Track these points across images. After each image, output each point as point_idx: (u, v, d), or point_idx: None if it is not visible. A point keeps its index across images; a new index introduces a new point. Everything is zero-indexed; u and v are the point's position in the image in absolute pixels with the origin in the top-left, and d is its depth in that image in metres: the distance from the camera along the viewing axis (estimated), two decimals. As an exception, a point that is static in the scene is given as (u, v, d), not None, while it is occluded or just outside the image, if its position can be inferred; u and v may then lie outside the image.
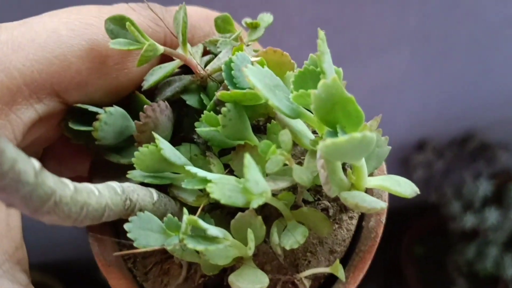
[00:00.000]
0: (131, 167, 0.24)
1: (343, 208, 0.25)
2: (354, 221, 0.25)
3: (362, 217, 0.26)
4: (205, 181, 0.21)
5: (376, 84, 0.90)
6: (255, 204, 0.20)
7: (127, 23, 0.23)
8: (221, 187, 0.20)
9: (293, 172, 0.22)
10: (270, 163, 0.22)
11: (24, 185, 0.15)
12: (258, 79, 0.21)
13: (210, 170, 0.23)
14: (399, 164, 1.18)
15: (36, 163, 0.16)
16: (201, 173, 0.21)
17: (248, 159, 0.19)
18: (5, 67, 0.21)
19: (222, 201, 0.20)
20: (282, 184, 0.22)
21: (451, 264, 1.19)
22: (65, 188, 0.18)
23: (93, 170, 0.27)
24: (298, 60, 0.79)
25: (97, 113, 0.23)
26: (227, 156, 0.25)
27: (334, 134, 0.19)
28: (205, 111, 0.24)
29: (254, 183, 0.19)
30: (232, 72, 0.23)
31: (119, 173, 0.25)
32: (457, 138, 1.17)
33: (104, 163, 0.26)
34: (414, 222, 1.28)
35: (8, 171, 0.15)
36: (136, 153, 0.22)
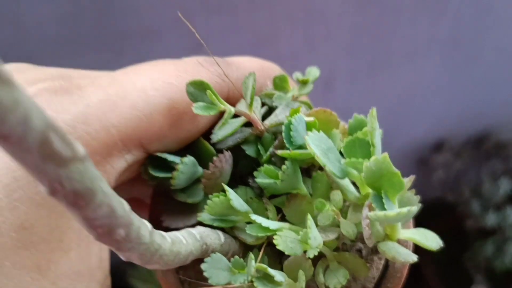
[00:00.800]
0: (194, 205, 0.28)
1: (374, 250, 0.29)
2: (383, 261, 0.29)
3: None
4: (266, 229, 0.25)
5: (405, 87, 0.92)
6: (311, 254, 0.24)
7: (208, 91, 0.26)
8: (284, 239, 0.24)
9: (341, 225, 0.26)
10: (322, 217, 0.26)
11: (142, 245, 0.19)
12: (316, 145, 0.24)
13: (265, 215, 0.27)
14: (418, 164, 1.20)
15: (148, 225, 0.19)
16: (263, 222, 0.25)
17: (310, 220, 0.24)
18: (104, 126, 0.23)
19: (286, 252, 0.24)
20: (332, 236, 0.26)
21: (470, 261, 1.22)
22: (165, 242, 0.21)
23: (157, 202, 0.30)
24: (334, 66, 0.81)
25: (173, 162, 0.27)
26: (277, 199, 0.28)
27: (379, 198, 0.23)
28: (265, 165, 0.27)
29: (314, 239, 0.24)
30: (291, 133, 0.26)
31: (183, 208, 0.28)
32: (473, 138, 1.19)
33: (166, 195, 0.29)
34: (432, 221, 1.30)
35: (135, 237, 0.18)
36: (209, 202, 0.25)
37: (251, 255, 0.24)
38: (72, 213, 0.14)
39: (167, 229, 0.23)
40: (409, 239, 0.26)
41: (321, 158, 0.24)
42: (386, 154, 0.22)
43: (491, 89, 1.00)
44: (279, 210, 0.28)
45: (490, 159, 1.24)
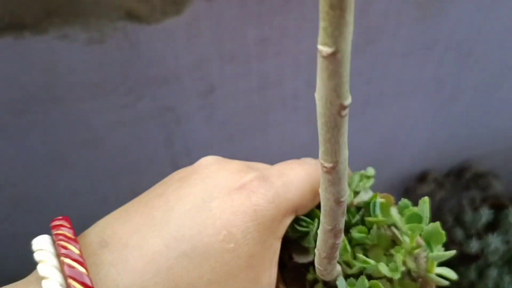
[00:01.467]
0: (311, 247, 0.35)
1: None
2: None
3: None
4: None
5: (393, 124, 1.00)
6: None
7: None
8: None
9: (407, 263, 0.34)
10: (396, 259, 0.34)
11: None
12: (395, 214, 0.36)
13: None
14: (405, 194, 1.28)
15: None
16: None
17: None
18: (287, 198, 0.31)
19: None
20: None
21: (455, 286, 1.28)
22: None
23: (287, 245, 0.36)
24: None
25: (308, 221, 0.35)
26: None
27: (431, 246, 0.32)
28: (353, 227, 0.37)
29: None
30: (375, 207, 0.37)
31: (305, 249, 0.35)
32: (454, 169, 1.28)
33: (293, 241, 0.36)
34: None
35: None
36: None
37: None
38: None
39: (296, 263, 0.33)
40: (441, 273, 0.34)
41: (398, 222, 0.34)
42: (438, 223, 0.32)
43: (470, 125, 1.09)
44: None
45: (470, 189, 1.32)
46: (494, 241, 1.12)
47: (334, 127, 0.21)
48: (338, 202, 0.25)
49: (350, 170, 0.39)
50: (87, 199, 0.91)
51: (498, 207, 1.31)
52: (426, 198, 0.33)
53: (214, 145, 0.88)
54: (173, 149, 0.86)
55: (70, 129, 0.74)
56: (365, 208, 0.38)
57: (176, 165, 0.90)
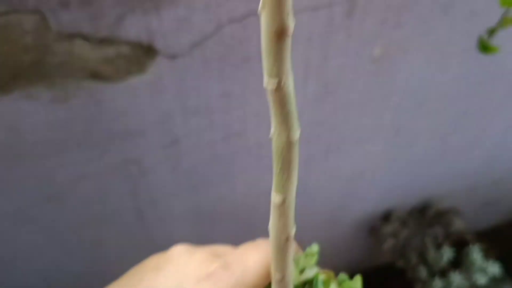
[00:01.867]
0: None
1: None
2: None
3: None
4: None
5: (355, 168, 1.03)
6: None
7: None
8: None
9: None
10: None
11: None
12: None
13: None
14: (370, 233, 1.30)
15: None
16: None
17: None
18: (246, 284, 0.35)
19: None
20: None
21: (422, 324, 1.30)
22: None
23: None
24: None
25: None
26: None
27: None
28: None
29: None
30: (318, 284, 0.38)
31: None
32: (417, 208, 1.32)
33: None
34: (384, 286, 1.39)
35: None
36: None
37: None
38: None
39: None
40: None
41: None
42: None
43: (429, 166, 1.13)
44: None
45: (433, 226, 1.36)
46: (457, 279, 1.14)
47: (284, 159, 0.23)
48: (286, 239, 0.26)
49: (300, 250, 0.42)
50: (52, 253, 0.89)
51: (460, 244, 1.35)
52: (358, 276, 0.37)
53: (180, 194, 0.89)
54: (138, 200, 0.86)
55: (33, 185, 0.73)
56: (309, 284, 0.41)
57: (141, 215, 0.90)
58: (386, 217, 1.32)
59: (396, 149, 1.02)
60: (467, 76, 0.88)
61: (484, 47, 0.62)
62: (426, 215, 1.32)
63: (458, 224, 1.33)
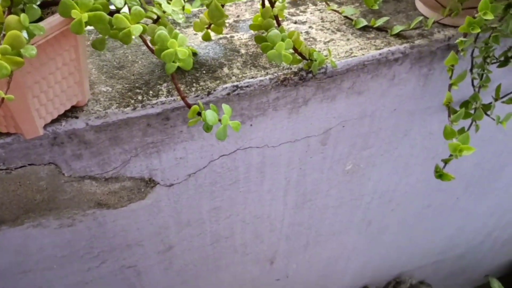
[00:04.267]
0: None
1: None
2: None
3: None
4: None
5: (332, 254, 1.09)
6: None
7: None
8: None
9: None
10: None
11: None
12: None
13: None
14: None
15: None
16: None
17: None
18: None
19: None
20: None
21: None
22: None
23: None
24: (277, 248, 1.00)
25: None
26: None
27: None
28: None
29: None
30: None
31: None
32: (391, 284, 1.37)
33: None
34: None
35: None
36: None
37: None
38: None
39: None
40: None
41: None
42: None
43: (398, 248, 1.20)
44: None
45: (405, 300, 1.41)
46: None
47: None
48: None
49: None
50: None
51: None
52: None
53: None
54: (133, 298, 0.90)
55: (36, 294, 0.77)
56: None
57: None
58: (362, 292, 1.37)
59: (368, 238, 1.09)
60: (428, 178, 0.96)
61: (440, 175, 0.69)
62: (399, 289, 1.38)
63: (429, 297, 1.38)
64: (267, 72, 0.60)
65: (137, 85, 0.58)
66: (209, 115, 0.51)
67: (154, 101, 0.56)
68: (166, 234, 0.79)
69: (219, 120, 0.52)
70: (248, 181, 0.76)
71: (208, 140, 0.65)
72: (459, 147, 0.58)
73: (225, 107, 0.53)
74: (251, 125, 0.65)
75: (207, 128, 0.52)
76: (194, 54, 0.63)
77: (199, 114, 0.52)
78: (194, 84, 0.59)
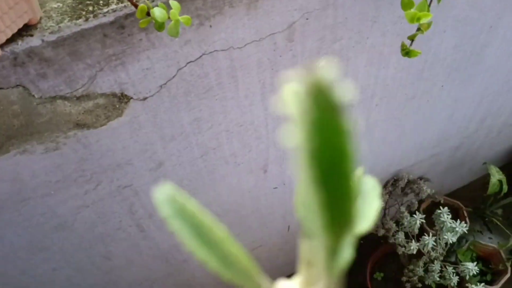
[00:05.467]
0: None
1: None
2: None
3: None
4: None
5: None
6: None
7: None
8: None
9: None
10: None
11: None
12: None
13: None
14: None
15: None
16: None
17: None
18: None
19: None
20: None
21: (406, 282, 1.40)
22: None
23: None
24: (266, 157, 1.03)
25: None
26: None
27: None
28: None
29: None
30: None
31: None
32: (390, 181, 1.40)
33: None
34: (372, 252, 1.49)
35: None
36: None
37: None
38: None
39: None
40: None
41: None
42: None
43: (390, 146, 1.21)
44: None
45: (406, 196, 1.45)
46: (430, 241, 1.24)
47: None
48: None
49: None
50: (65, 272, 0.97)
51: (431, 208, 1.44)
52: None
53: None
54: (136, 217, 0.94)
55: (39, 221, 0.81)
56: None
57: (142, 228, 0.98)
58: (363, 193, 1.40)
59: (358, 138, 1.10)
60: (407, 66, 0.95)
61: (406, 52, 0.69)
62: (398, 186, 1.41)
63: (428, 190, 1.42)
64: (214, -34, 0.59)
65: (87, -3, 0.57)
66: (157, 11, 0.50)
67: (105, 10, 0.56)
68: (153, 150, 0.81)
69: (169, 17, 0.52)
70: (222, 87, 0.76)
71: (170, 46, 0.65)
72: (416, 15, 0.57)
73: (173, 3, 0.52)
74: (210, 26, 0.65)
75: (159, 27, 0.52)
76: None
77: (148, 14, 0.52)
78: (144, -12, 0.58)
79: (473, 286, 1.27)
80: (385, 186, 1.42)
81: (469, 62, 1.04)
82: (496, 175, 1.50)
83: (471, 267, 1.25)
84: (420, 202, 1.46)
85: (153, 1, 0.57)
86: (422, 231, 1.36)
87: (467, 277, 1.28)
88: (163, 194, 0.20)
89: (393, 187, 1.42)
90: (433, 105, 1.14)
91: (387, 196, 1.42)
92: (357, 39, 0.81)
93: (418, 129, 1.21)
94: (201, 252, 0.19)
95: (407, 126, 1.17)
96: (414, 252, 1.27)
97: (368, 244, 1.50)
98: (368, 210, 0.21)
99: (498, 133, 1.49)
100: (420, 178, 1.48)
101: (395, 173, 1.41)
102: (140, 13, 0.50)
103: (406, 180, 1.42)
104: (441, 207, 1.32)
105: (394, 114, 1.09)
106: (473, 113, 1.28)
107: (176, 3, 0.52)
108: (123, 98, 0.68)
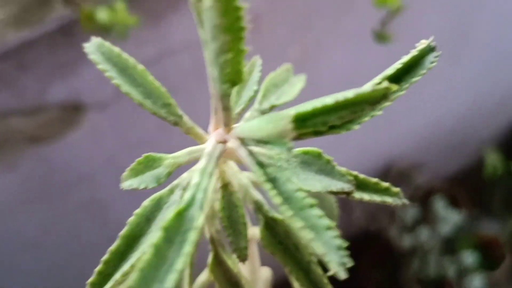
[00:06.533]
0: None
1: None
2: None
3: None
4: None
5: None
6: None
7: None
8: None
9: None
10: None
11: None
12: None
13: None
14: (340, 206, 1.39)
15: None
16: None
17: None
18: None
19: None
20: None
21: (404, 277, 1.41)
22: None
23: None
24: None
25: None
26: None
27: None
28: None
29: None
30: None
31: None
32: (379, 172, 1.40)
33: None
34: (365, 249, 1.49)
35: None
36: None
37: None
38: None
39: None
40: None
41: None
42: None
43: (378, 134, 1.21)
44: None
45: (397, 186, 1.45)
46: (424, 232, 1.24)
47: None
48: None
49: None
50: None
51: (424, 198, 1.44)
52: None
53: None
54: (109, 230, 0.93)
55: (7, 239, 0.80)
56: None
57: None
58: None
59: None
60: (388, 52, 0.95)
61: (380, 36, 0.68)
62: (389, 177, 1.41)
63: (420, 179, 1.42)
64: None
65: (29, 5, 0.56)
66: (101, 14, 0.49)
67: (51, 17, 0.55)
68: (118, 159, 0.80)
69: (116, 19, 0.51)
70: (187, 89, 0.75)
71: (125, 48, 0.63)
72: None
73: (118, 5, 0.51)
74: (165, 24, 0.64)
75: (105, 30, 0.51)
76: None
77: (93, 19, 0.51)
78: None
79: (471, 276, 1.28)
80: (375, 178, 1.42)
81: (456, 43, 1.04)
82: (492, 157, 1.51)
83: (469, 256, 1.26)
84: (414, 192, 1.47)
85: (105, 3, 0.56)
86: (419, 222, 1.37)
87: (465, 267, 1.28)
88: (93, 44, 0.25)
89: (383, 178, 1.42)
90: (420, 89, 1.14)
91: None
92: (335, 31, 0.81)
93: (407, 114, 1.21)
94: (126, 87, 0.24)
95: (393, 113, 1.17)
96: (408, 246, 1.27)
97: (364, 241, 1.50)
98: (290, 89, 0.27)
99: (491, 113, 1.49)
100: (413, 166, 1.48)
101: (385, 163, 1.41)
102: (84, 18, 0.49)
103: (396, 170, 1.42)
104: (434, 196, 1.32)
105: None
106: (464, 94, 1.28)
107: (121, 4, 0.51)
108: (80, 108, 0.67)
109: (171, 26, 0.64)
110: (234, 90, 0.23)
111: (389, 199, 0.26)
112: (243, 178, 0.26)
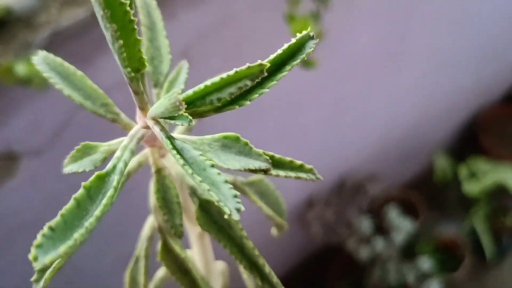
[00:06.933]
0: None
1: None
2: None
3: None
4: None
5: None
6: None
7: None
8: None
9: None
10: None
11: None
12: None
13: None
14: (298, 222, 1.41)
15: None
16: None
17: None
18: None
19: None
20: None
21: (368, 286, 1.44)
22: None
23: None
24: None
25: None
26: None
27: None
28: None
29: None
30: None
31: None
32: (334, 186, 1.44)
33: None
34: (330, 263, 1.52)
35: None
36: None
37: None
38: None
39: None
40: None
41: None
42: None
43: (329, 150, 1.25)
44: None
45: (353, 198, 1.49)
46: (379, 243, 1.27)
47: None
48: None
49: None
50: None
51: (380, 208, 1.48)
52: None
53: (105, 250, 0.96)
54: (64, 275, 0.92)
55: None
56: None
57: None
58: (310, 202, 1.43)
59: (293, 146, 1.13)
60: (326, 72, 0.99)
61: (306, 63, 0.72)
62: (344, 189, 1.45)
63: (375, 189, 1.46)
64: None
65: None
66: (19, 68, 0.51)
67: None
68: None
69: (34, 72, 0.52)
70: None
71: (55, 94, 0.64)
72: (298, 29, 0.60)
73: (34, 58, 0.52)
74: (93, 66, 0.65)
75: (26, 82, 0.52)
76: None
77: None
78: (12, 41, 0.58)
79: (429, 280, 1.32)
80: (331, 193, 1.45)
81: (393, 57, 1.09)
82: (441, 162, 1.57)
83: (426, 261, 1.29)
84: (371, 202, 1.51)
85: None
86: (375, 233, 1.40)
87: (423, 272, 1.32)
88: (40, 57, 0.30)
89: (339, 192, 1.46)
90: (366, 102, 1.19)
91: (334, 202, 1.45)
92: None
93: (357, 127, 1.25)
94: (68, 90, 0.29)
95: (344, 126, 1.21)
96: (365, 257, 1.31)
97: (327, 254, 1.52)
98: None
99: (437, 120, 1.56)
100: (368, 178, 1.52)
101: (340, 176, 1.45)
102: (3, 72, 0.50)
103: (351, 183, 1.46)
104: (392, 204, 1.36)
105: (324, 115, 1.12)
106: (409, 104, 1.33)
107: (41, 53, 0.52)
108: (13, 157, 0.67)
109: (98, 69, 0.65)
110: (164, 89, 0.31)
111: (303, 175, 0.29)
112: (179, 168, 0.31)
